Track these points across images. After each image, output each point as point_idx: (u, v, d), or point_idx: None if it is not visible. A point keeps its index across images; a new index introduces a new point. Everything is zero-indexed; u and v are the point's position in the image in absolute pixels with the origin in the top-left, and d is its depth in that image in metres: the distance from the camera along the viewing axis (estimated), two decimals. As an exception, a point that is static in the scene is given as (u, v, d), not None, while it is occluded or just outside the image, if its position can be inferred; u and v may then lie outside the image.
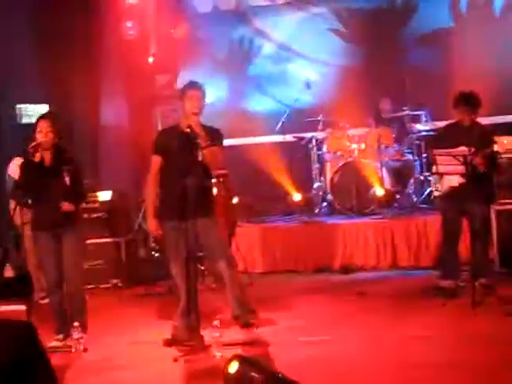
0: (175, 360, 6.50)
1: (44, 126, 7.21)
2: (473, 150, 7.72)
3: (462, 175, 7.95)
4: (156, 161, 7.10)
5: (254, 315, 7.13)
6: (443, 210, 8.54)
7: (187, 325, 6.89)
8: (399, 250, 10.21)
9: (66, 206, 7.18)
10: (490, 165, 7.97)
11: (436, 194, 8.71)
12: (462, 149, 7.90)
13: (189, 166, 6.87)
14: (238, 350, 6.34)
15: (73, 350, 6.97)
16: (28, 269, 9.01)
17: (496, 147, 8.06)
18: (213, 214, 7.16)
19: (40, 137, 7.17)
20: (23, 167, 7.41)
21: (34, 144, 7.14)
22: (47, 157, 7.27)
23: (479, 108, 8.31)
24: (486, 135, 8.22)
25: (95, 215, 10.42)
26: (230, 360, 4.96)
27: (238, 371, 4.90)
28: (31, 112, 11.10)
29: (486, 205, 8.33)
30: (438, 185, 8.50)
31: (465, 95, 8.35)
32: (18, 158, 8.71)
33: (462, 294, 8.05)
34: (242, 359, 4.99)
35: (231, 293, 7.07)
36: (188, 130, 6.85)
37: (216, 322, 6.78)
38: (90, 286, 9.83)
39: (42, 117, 7.46)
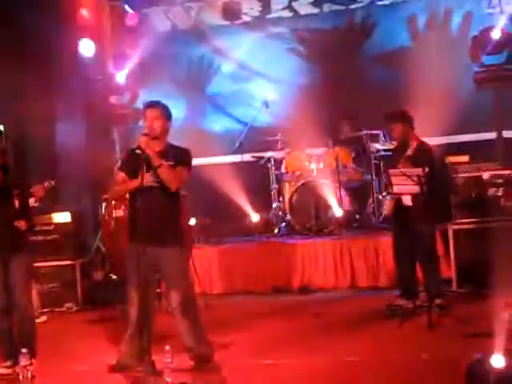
0: (126, 388, 6.39)
1: None
2: (427, 169, 7.72)
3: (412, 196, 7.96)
4: (120, 177, 6.89)
5: (207, 347, 6.90)
6: (395, 232, 8.54)
7: (134, 351, 6.70)
8: (358, 271, 10.18)
9: (19, 224, 7.07)
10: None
11: (384, 214, 8.68)
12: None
13: (145, 189, 6.65)
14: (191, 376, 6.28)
15: (20, 377, 6.78)
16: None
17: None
18: (179, 242, 6.84)
19: None
20: None
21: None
22: (-1, 177, 7.16)
23: (399, 123, 8.37)
24: (425, 151, 8.24)
25: (50, 237, 10.25)
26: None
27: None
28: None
29: (435, 226, 8.31)
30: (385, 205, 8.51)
31: (392, 115, 8.47)
32: None
33: (419, 314, 8.01)
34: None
35: (181, 326, 6.85)
36: (138, 151, 6.68)
37: (167, 347, 6.64)
38: (44, 310, 9.73)
39: None
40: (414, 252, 8.29)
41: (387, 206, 8.47)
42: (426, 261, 8.23)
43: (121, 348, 6.92)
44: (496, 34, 10.77)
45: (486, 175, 9.19)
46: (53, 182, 8.58)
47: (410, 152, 8.19)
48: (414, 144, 8.29)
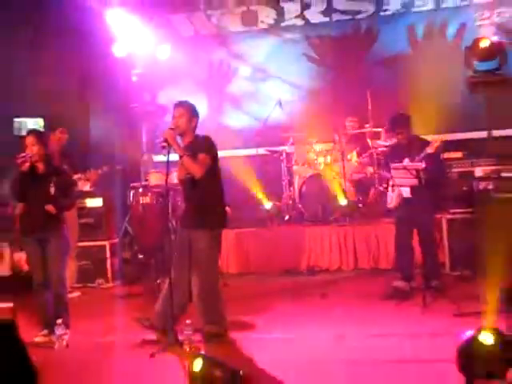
0: (152, 355, 6.35)
1: (29, 140, 7.21)
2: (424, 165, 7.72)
3: (412, 188, 7.95)
4: None
5: (219, 325, 6.83)
6: (396, 221, 8.52)
7: (162, 320, 6.69)
8: (360, 254, 10.19)
9: (49, 207, 7.10)
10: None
11: (390, 206, 8.65)
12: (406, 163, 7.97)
13: (183, 181, 6.85)
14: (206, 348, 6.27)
15: (56, 345, 6.86)
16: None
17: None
18: (204, 226, 6.76)
19: (27, 150, 7.15)
20: (15, 176, 7.31)
21: (21, 156, 7.12)
22: (40, 167, 7.22)
23: (404, 127, 8.32)
24: (423, 145, 8.19)
25: (84, 220, 10.27)
26: (195, 358, 4.85)
27: (201, 369, 4.79)
28: (27, 125, 10.98)
29: (433, 214, 8.30)
30: (391, 198, 8.49)
31: (389, 122, 8.45)
32: None
33: (415, 295, 8.02)
34: (205, 358, 4.88)
35: (197, 306, 6.83)
36: (164, 144, 6.67)
37: (188, 321, 6.66)
38: (78, 285, 9.77)
39: (28, 133, 7.41)
40: (412, 239, 8.28)
41: (392, 199, 8.44)
42: (426, 246, 8.23)
43: (153, 316, 6.88)
44: (486, 43, 10.72)
45: (477, 170, 9.17)
46: (105, 168, 8.64)
47: (429, 150, 8.12)
48: (418, 143, 8.27)
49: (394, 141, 8.96)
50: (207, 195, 6.81)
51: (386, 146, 10.79)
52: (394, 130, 8.50)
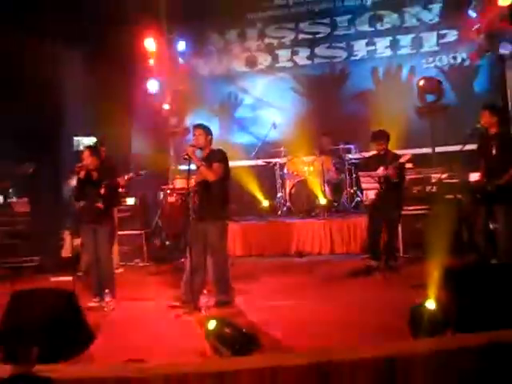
0: (177, 317, 6.41)
1: (86, 154, 7.22)
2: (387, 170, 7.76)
3: (379, 190, 7.96)
4: None
5: (228, 295, 6.87)
6: (369, 214, 8.52)
7: (187, 292, 6.71)
8: (336, 241, 10.14)
9: (99, 205, 7.16)
10: (399, 174, 7.97)
11: (365, 203, 8.65)
12: (380, 170, 7.95)
13: (197, 184, 6.85)
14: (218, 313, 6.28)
15: (105, 309, 6.88)
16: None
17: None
18: (216, 219, 6.81)
19: (84, 161, 7.20)
20: (76, 181, 7.37)
21: (79, 165, 7.15)
22: (94, 174, 7.24)
23: (388, 140, 8.30)
24: (395, 157, 8.19)
25: (125, 214, 10.28)
26: (209, 319, 4.87)
27: (215, 328, 4.81)
28: (83, 142, 11.01)
29: (395, 210, 8.30)
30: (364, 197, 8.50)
31: (373, 134, 8.42)
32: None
33: (379, 271, 8.03)
34: (218, 319, 4.90)
35: (212, 281, 6.87)
36: (186, 156, 6.75)
37: (205, 291, 6.69)
38: (121, 264, 9.78)
39: (85, 148, 7.43)
40: (382, 227, 8.26)
41: (368, 199, 8.40)
42: (389, 234, 8.23)
43: (180, 290, 6.92)
44: (428, 82, 10.80)
45: (424, 177, 9.21)
46: (131, 175, 8.67)
47: (388, 157, 8.14)
48: (391, 154, 8.29)
49: (372, 153, 8.93)
50: (218, 195, 6.85)
51: (356, 159, 10.84)
52: (375, 142, 8.44)
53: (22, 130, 9.59)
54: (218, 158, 6.82)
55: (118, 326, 6.37)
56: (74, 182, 8.69)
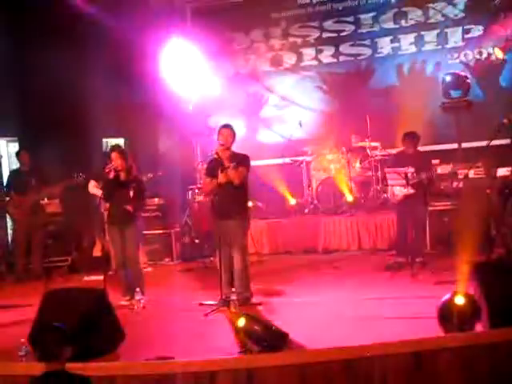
0: (206, 315, 6.43)
1: (113, 155, 7.25)
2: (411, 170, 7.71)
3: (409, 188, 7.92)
4: (207, 179, 7.09)
5: (248, 292, 6.91)
6: (397, 211, 8.46)
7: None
8: (363, 238, 10.08)
9: (128, 207, 7.18)
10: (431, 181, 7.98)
11: (393, 200, 8.57)
12: (410, 170, 7.90)
13: (220, 185, 6.84)
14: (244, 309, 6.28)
15: (135, 307, 6.92)
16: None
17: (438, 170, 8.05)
18: (238, 218, 6.88)
19: (112, 163, 7.22)
20: (104, 181, 7.39)
21: (108, 167, 7.18)
22: (122, 175, 7.25)
23: (418, 142, 8.27)
24: (426, 160, 8.13)
25: (154, 214, 10.33)
26: (239, 317, 4.88)
27: (244, 325, 4.81)
28: (111, 143, 11.07)
29: (423, 207, 8.24)
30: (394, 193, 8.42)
31: (408, 134, 8.37)
32: (92, 181, 8.85)
33: (407, 268, 7.94)
34: (247, 316, 4.90)
35: (237, 277, 6.88)
36: (216, 156, 6.79)
37: (233, 289, 6.70)
38: (150, 263, 9.83)
39: (112, 149, 7.48)
40: (409, 225, 8.20)
41: (397, 196, 8.34)
42: (417, 231, 8.18)
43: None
44: (453, 77, 10.64)
45: (451, 172, 9.10)
46: (149, 175, 8.68)
47: (419, 158, 8.17)
48: (419, 153, 8.30)
49: (399, 149, 8.89)
50: (240, 195, 6.93)
51: (382, 155, 10.74)
52: (406, 142, 8.44)
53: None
54: (244, 162, 6.89)
55: (148, 324, 6.41)
56: (91, 186, 8.81)
